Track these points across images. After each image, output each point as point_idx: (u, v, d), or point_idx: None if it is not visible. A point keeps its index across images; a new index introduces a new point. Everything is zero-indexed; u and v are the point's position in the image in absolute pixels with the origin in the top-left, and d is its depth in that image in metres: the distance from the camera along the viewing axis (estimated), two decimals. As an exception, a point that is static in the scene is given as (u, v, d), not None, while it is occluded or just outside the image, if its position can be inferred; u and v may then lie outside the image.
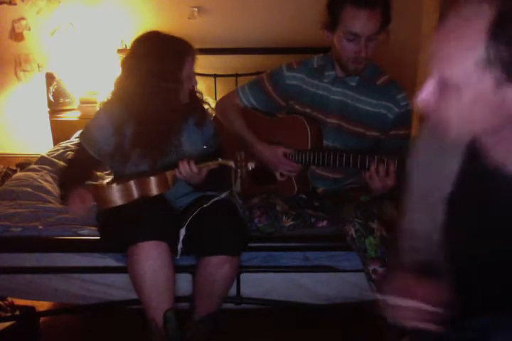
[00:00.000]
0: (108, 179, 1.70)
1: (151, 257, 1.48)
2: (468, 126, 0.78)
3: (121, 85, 1.66)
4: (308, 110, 1.79)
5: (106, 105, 1.71)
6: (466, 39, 0.71)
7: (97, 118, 1.70)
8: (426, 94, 0.78)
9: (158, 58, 1.59)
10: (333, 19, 1.60)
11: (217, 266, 1.53)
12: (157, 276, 1.49)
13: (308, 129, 1.71)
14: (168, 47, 1.61)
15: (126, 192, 1.55)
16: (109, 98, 1.71)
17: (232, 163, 1.56)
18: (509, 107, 0.72)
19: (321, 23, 1.65)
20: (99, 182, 1.71)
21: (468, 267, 0.91)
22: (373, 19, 1.53)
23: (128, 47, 3.46)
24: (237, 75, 3.42)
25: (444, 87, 0.75)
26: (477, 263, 0.90)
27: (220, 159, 1.59)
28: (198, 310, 1.60)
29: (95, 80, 3.49)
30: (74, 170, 1.71)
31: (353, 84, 1.71)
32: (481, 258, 0.89)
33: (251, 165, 1.55)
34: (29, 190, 2.03)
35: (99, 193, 1.57)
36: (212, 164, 1.58)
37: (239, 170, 1.56)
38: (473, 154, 0.86)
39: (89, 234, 1.69)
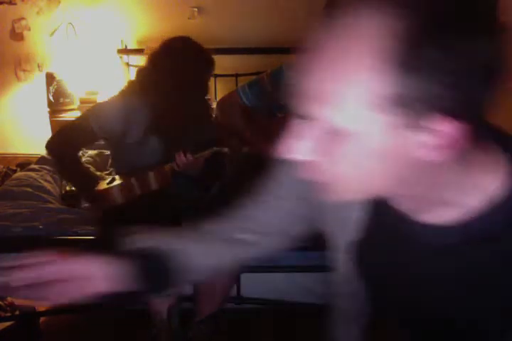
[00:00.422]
0: (108, 179, 1.71)
1: None
2: (367, 185, 0.57)
3: (145, 77, 1.71)
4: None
5: (124, 93, 1.74)
6: (358, 69, 0.48)
7: (112, 105, 1.73)
8: (306, 144, 0.54)
9: (192, 60, 1.68)
10: None
11: None
12: None
13: None
14: (202, 53, 1.72)
15: (129, 188, 1.58)
16: (129, 87, 1.76)
17: (226, 150, 1.61)
18: (417, 157, 0.52)
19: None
20: (101, 183, 1.73)
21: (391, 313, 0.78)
22: None
23: (127, 47, 3.51)
24: (237, 75, 3.42)
25: (330, 135, 0.52)
26: (396, 308, 0.75)
27: (214, 147, 1.64)
28: (200, 311, 1.60)
29: (95, 80, 3.50)
30: (68, 142, 1.73)
31: None
32: (395, 302, 0.74)
33: (245, 149, 1.60)
34: (29, 190, 2.03)
35: (103, 194, 1.60)
36: (207, 153, 1.63)
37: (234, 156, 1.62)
38: (376, 201, 0.68)
39: (89, 234, 1.69)
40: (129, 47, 3.51)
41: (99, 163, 2.57)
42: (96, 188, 1.65)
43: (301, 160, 0.56)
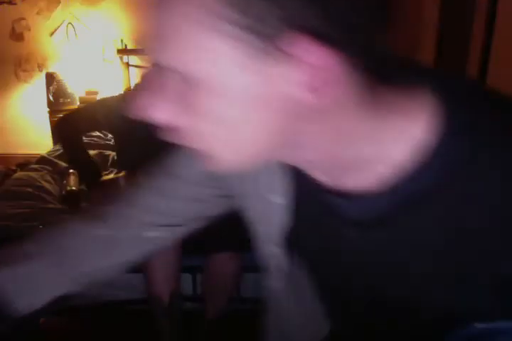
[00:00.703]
0: (113, 173, 1.75)
1: None
2: (247, 146, 0.44)
3: None
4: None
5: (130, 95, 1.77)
6: None
7: (120, 105, 1.75)
8: (160, 100, 0.43)
9: None
10: None
11: (226, 262, 1.60)
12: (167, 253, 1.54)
13: None
14: None
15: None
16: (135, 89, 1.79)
17: None
18: (294, 100, 0.40)
19: None
20: (107, 176, 1.77)
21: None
22: None
23: (127, 47, 3.51)
24: (237, 75, 3.42)
25: (184, 86, 0.41)
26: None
27: None
28: (210, 310, 1.62)
29: (95, 80, 3.50)
30: (73, 127, 1.78)
31: None
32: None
33: None
34: (29, 190, 2.03)
35: (108, 183, 1.64)
36: None
37: None
38: (296, 176, 0.56)
39: None
40: (129, 47, 3.51)
41: (100, 163, 2.57)
42: (104, 181, 1.69)
43: (160, 121, 0.44)
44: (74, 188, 1.99)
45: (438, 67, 2.79)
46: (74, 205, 2.01)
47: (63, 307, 1.94)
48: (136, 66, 3.53)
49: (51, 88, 3.45)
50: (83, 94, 3.49)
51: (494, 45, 2.24)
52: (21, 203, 1.90)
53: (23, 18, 3.48)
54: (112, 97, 1.81)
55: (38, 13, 3.46)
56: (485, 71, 2.37)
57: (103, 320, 1.91)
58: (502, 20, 2.19)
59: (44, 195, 2.03)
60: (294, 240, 0.60)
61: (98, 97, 3.46)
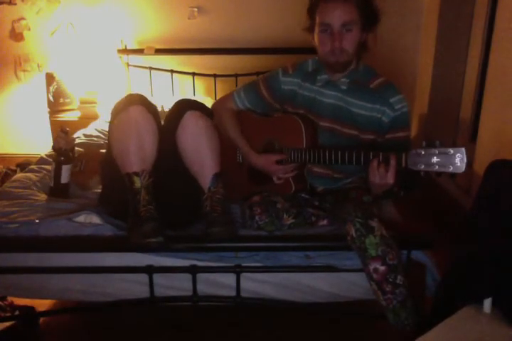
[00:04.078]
0: None
1: (138, 119, 1.56)
2: None
3: None
4: (302, 112, 1.79)
5: None
6: None
7: None
8: None
9: None
10: (312, 20, 1.64)
11: (195, 120, 1.63)
12: (143, 135, 1.56)
13: (303, 128, 1.72)
14: None
15: None
16: None
17: None
18: None
19: (305, 28, 1.69)
20: None
21: None
22: (343, 9, 1.56)
23: (127, 47, 3.51)
24: (236, 75, 3.42)
25: None
26: None
27: None
28: (203, 182, 1.62)
29: (95, 80, 3.50)
30: None
31: (344, 87, 1.71)
32: None
33: None
34: (26, 190, 2.03)
35: None
36: None
37: None
38: None
39: (86, 218, 1.67)
40: (129, 47, 3.51)
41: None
42: None
43: None
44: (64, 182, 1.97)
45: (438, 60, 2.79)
46: (62, 196, 1.99)
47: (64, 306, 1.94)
48: (136, 66, 3.53)
49: (51, 88, 3.45)
50: (83, 95, 3.49)
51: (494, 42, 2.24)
52: (18, 202, 1.90)
53: (23, 18, 3.48)
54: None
55: (38, 13, 3.46)
56: (485, 71, 2.37)
57: (103, 319, 1.91)
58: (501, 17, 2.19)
59: (39, 193, 2.03)
60: None
61: (98, 97, 3.46)
